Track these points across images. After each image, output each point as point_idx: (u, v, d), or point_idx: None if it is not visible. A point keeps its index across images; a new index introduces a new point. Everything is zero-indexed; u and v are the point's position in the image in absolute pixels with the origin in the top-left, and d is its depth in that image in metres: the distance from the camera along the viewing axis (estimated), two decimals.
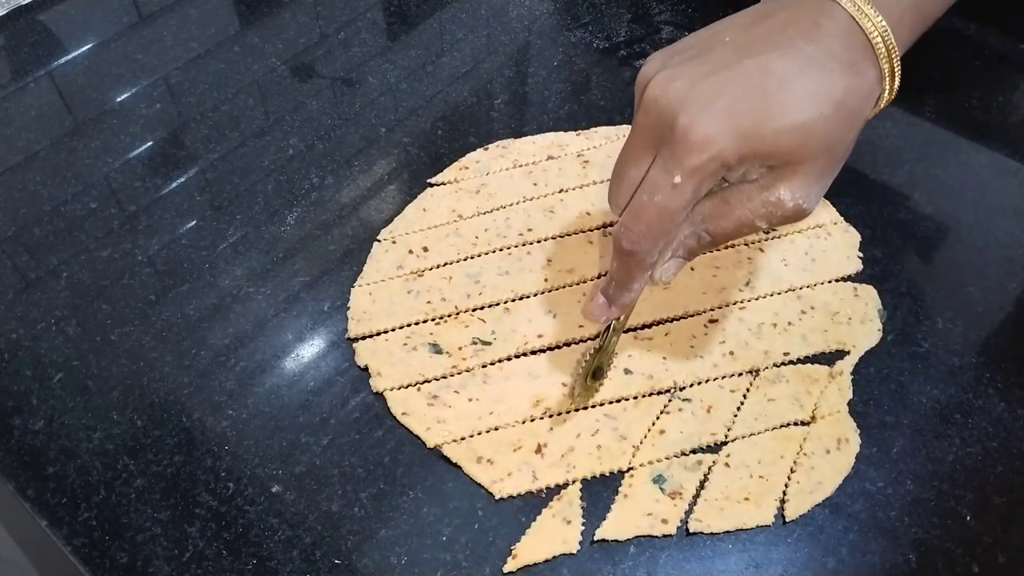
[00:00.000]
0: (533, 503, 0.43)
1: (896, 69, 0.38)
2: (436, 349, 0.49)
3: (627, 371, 0.48)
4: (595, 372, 0.45)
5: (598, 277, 0.52)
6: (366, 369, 0.48)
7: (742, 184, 0.37)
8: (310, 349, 0.49)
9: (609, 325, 0.44)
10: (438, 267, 0.53)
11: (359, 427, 0.46)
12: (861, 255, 0.53)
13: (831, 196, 0.56)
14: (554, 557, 0.41)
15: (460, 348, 0.49)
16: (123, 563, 0.41)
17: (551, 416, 0.46)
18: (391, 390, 0.47)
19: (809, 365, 0.48)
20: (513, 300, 0.51)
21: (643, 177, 0.37)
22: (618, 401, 0.47)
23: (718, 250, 0.53)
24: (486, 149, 0.60)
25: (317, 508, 0.43)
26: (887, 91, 0.39)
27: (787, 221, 0.38)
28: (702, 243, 0.39)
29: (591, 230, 0.54)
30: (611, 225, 0.54)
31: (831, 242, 0.54)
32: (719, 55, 0.37)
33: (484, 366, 0.48)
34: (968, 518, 0.43)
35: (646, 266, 0.39)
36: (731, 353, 0.48)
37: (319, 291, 0.52)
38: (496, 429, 0.45)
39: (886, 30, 0.37)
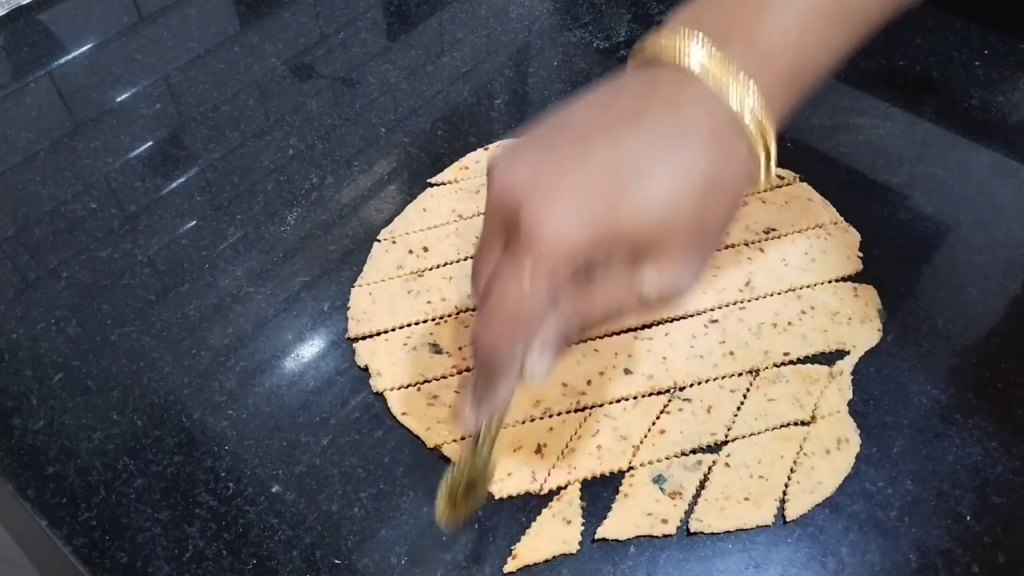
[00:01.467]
0: (533, 503, 0.43)
1: (770, 144, 0.33)
2: (436, 349, 0.49)
3: (627, 371, 0.48)
4: (469, 487, 0.38)
5: None
6: (366, 369, 0.48)
7: (604, 268, 0.33)
8: (310, 349, 0.49)
9: (479, 431, 0.38)
10: (438, 267, 0.53)
11: (359, 427, 0.46)
12: (861, 255, 0.53)
13: (831, 196, 0.56)
14: (554, 557, 0.41)
15: (460, 348, 0.49)
16: (123, 563, 0.41)
17: (551, 416, 0.46)
18: (391, 390, 0.47)
19: (809, 365, 0.48)
20: None
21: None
22: (618, 401, 0.47)
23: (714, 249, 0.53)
24: (486, 149, 0.60)
25: (317, 508, 0.43)
26: (763, 168, 0.34)
27: (659, 305, 0.34)
28: (573, 329, 0.34)
29: None
30: None
31: (831, 242, 0.54)
32: (566, 137, 0.33)
33: None
34: (968, 518, 0.43)
35: (507, 369, 0.34)
36: (731, 353, 0.48)
37: (319, 291, 0.52)
38: None
39: (757, 96, 0.32)
